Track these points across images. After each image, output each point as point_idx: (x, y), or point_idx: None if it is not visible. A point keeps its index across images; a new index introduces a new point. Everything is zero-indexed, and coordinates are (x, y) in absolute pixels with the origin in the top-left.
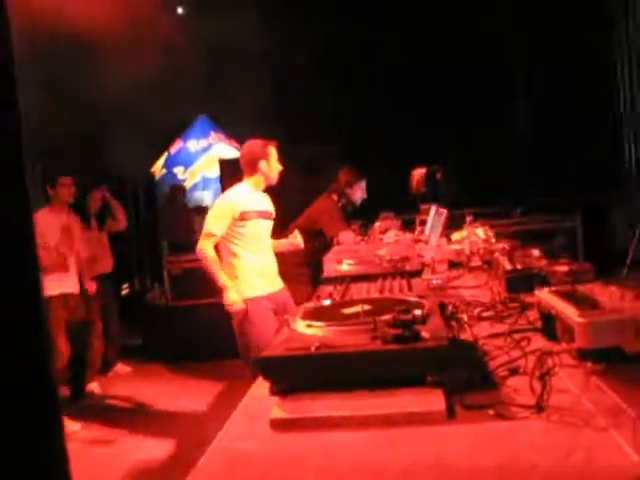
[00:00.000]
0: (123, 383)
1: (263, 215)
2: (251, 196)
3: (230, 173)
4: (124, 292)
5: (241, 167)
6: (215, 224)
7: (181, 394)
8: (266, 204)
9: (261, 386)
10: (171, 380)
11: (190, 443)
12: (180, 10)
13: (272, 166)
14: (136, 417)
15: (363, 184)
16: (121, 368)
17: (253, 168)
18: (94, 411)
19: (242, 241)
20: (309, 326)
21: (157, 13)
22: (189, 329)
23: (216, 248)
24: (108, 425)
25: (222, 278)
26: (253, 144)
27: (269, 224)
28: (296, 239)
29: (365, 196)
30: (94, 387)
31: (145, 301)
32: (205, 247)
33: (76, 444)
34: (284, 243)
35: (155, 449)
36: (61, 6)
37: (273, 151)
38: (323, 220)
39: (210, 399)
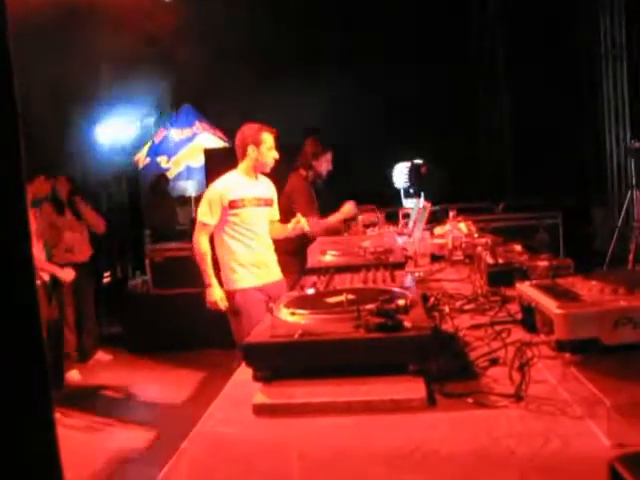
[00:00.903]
0: (104, 371)
1: (257, 202)
2: (242, 183)
3: (215, 163)
4: (105, 280)
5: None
6: (206, 214)
7: (162, 382)
8: (261, 190)
9: (244, 372)
10: (152, 368)
11: (171, 432)
12: None
13: (263, 152)
14: (117, 405)
15: (329, 156)
16: (102, 356)
17: (242, 152)
18: (74, 399)
19: (235, 231)
20: (293, 314)
21: None
22: (170, 317)
23: (211, 237)
24: (89, 413)
25: (209, 275)
26: (246, 127)
27: (265, 211)
28: (299, 223)
29: (330, 167)
30: (74, 375)
31: (126, 289)
32: (198, 239)
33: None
34: (288, 229)
35: (136, 437)
36: None
37: (267, 137)
38: (295, 199)
39: (191, 388)
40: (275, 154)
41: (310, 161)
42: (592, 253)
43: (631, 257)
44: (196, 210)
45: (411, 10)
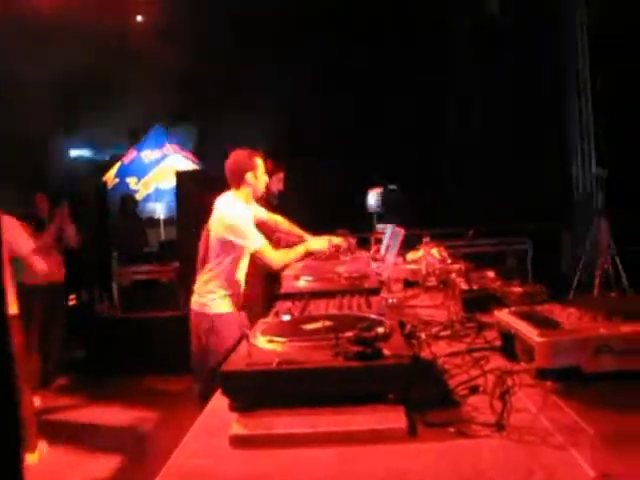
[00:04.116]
0: (66, 397)
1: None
2: (247, 209)
3: (186, 185)
4: (71, 303)
5: (227, 179)
6: (255, 238)
7: (128, 408)
8: (253, 216)
9: (220, 401)
10: (118, 394)
11: (138, 460)
12: (139, 18)
13: (259, 178)
14: (81, 432)
15: (281, 175)
16: (63, 382)
17: (240, 180)
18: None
19: (241, 258)
20: (270, 342)
21: (117, 19)
22: (137, 342)
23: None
24: (51, 441)
25: (299, 250)
26: (239, 155)
27: None
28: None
29: (281, 188)
30: (34, 401)
31: (92, 313)
32: (277, 257)
33: None
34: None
35: (102, 465)
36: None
37: (259, 162)
38: None
39: (158, 414)
40: (266, 178)
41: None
42: (559, 279)
43: (597, 283)
44: (164, 232)
45: (390, 42)
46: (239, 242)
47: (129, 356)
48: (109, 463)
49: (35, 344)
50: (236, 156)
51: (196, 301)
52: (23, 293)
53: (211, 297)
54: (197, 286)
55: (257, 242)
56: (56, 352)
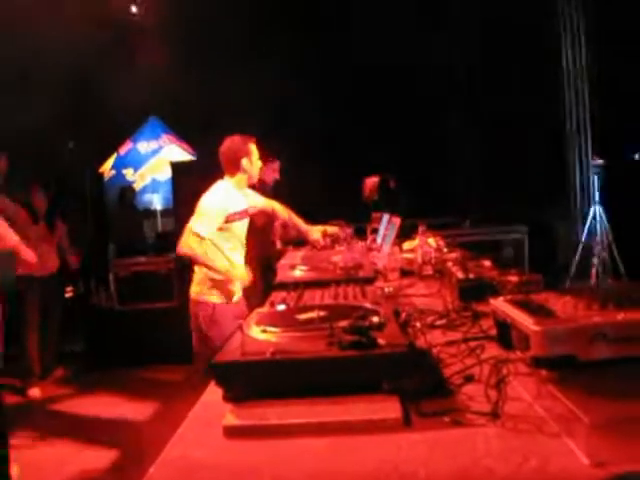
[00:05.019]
0: (65, 389)
1: (245, 215)
2: (237, 196)
3: (182, 175)
4: (67, 295)
5: (221, 165)
6: (202, 225)
7: (126, 400)
8: (244, 203)
9: (214, 392)
10: (116, 386)
11: (136, 451)
12: (134, 9)
13: (254, 163)
14: (76, 425)
15: (275, 165)
16: (61, 374)
17: (235, 166)
18: (35, 418)
19: (222, 243)
20: (264, 331)
21: (111, 10)
22: (135, 334)
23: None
24: (50, 432)
25: (220, 265)
26: (234, 140)
27: (246, 222)
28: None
29: (277, 177)
30: (35, 392)
31: (89, 305)
32: (190, 244)
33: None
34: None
35: (99, 456)
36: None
37: (253, 147)
38: None
39: (157, 405)
40: (260, 163)
41: None
42: (555, 268)
43: (594, 272)
44: (161, 224)
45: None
46: (192, 220)
47: (126, 347)
48: (107, 454)
49: (35, 336)
50: (231, 142)
51: (194, 290)
52: (18, 284)
53: (207, 286)
54: (195, 275)
55: (195, 225)
56: (54, 344)
